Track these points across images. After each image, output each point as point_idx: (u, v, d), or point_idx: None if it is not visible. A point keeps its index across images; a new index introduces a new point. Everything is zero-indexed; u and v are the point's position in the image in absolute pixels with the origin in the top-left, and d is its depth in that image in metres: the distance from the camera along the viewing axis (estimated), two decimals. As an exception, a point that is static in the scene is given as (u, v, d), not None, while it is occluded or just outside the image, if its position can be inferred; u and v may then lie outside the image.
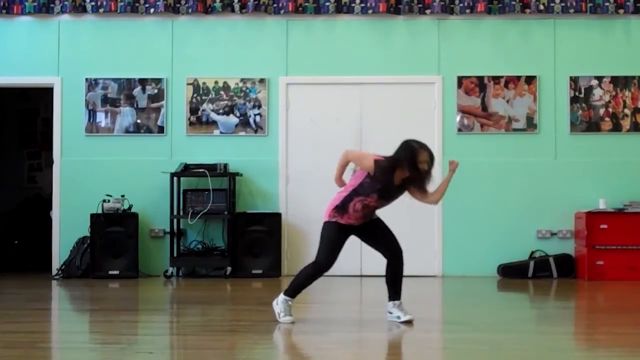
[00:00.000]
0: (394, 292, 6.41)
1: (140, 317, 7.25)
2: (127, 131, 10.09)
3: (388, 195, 6.29)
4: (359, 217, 6.30)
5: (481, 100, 9.96)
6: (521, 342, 5.80)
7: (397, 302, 6.41)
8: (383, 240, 6.42)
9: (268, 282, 9.28)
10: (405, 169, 6.23)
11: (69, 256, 9.76)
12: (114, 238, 9.62)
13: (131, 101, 10.09)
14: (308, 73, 10.05)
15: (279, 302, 6.40)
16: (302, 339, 6.01)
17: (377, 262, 9.84)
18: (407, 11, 9.94)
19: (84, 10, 10.09)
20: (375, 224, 6.41)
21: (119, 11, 10.01)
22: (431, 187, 6.40)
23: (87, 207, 9.67)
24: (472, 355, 5.36)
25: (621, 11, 9.89)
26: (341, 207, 6.27)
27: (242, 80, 10.06)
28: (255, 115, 10.03)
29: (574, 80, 9.94)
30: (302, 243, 9.76)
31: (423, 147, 6.30)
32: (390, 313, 6.41)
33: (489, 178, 9.91)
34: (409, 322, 6.30)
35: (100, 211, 9.65)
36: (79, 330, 6.65)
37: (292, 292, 6.40)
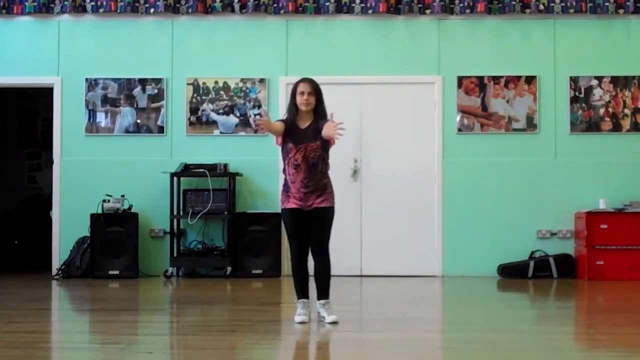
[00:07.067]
0: (320, 291, 6.40)
1: (140, 317, 7.25)
2: (127, 131, 10.09)
3: (300, 138, 6.33)
4: (300, 189, 6.31)
5: (481, 100, 9.96)
6: (521, 342, 5.80)
7: (322, 301, 6.40)
8: (311, 236, 6.37)
9: (268, 282, 9.28)
10: (293, 104, 6.43)
11: (69, 256, 9.76)
12: (114, 238, 9.62)
13: (131, 101, 10.09)
14: (308, 73, 9.87)
15: None
16: (302, 338, 6.01)
17: (377, 262, 9.90)
18: (407, 11, 9.94)
19: (84, 10, 10.10)
20: (318, 216, 6.33)
21: (119, 11, 10.01)
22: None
23: (87, 207, 9.67)
24: (472, 355, 5.36)
25: (621, 11, 9.89)
26: (284, 184, 6.43)
27: (242, 80, 10.06)
28: (255, 115, 10.02)
29: (574, 80, 9.94)
30: (302, 243, 9.75)
31: (303, 79, 6.50)
32: (318, 313, 6.42)
33: (489, 178, 9.91)
34: (334, 323, 6.29)
35: (100, 211, 9.65)
36: (79, 330, 6.64)
37: (297, 293, 6.46)
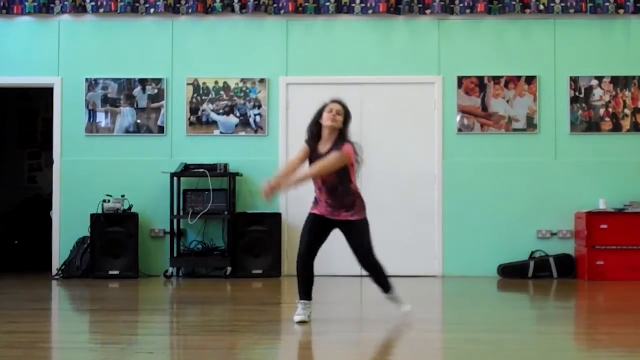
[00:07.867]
0: (380, 287, 6.59)
1: (140, 317, 7.25)
2: (127, 131, 10.09)
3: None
4: (327, 202, 6.38)
5: (481, 100, 9.96)
6: (521, 342, 5.80)
7: (385, 294, 6.57)
8: (354, 251, 6.48)
9: (268, 282, 9.28)
10: (315, 124, 6.44)
11: (69, 256, 9.76)
12: (114, 238, 9.62)
13: (131, 101, 10.09)
14: (308, 73, 10.05)
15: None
16: (302, 339, 6.01)
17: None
18: (407, 11, 9.94)
19: (84, 10, 10.10)
20: (351, 230, 6.42)
21: (119, 11, 10.01)
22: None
23: (87, 207, 9.67)
24: (472, 355, 5.36)
25: (621, 11, 9.89)
26: (315, 199, 6.51)
27: (242, 80, 10.06)
28: (255, 115, 10.03)
29: (574, 80, 9.94)
30: (302, 243, 9.74)
31: (335, 99, 6.50)
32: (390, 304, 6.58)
33: (489, 178, 9.91)
34: (407, 313, 6.43)
35: (100, 211, 9.65)
36: (79, 330, 6.65)
37: (299, 292, 6.45)
